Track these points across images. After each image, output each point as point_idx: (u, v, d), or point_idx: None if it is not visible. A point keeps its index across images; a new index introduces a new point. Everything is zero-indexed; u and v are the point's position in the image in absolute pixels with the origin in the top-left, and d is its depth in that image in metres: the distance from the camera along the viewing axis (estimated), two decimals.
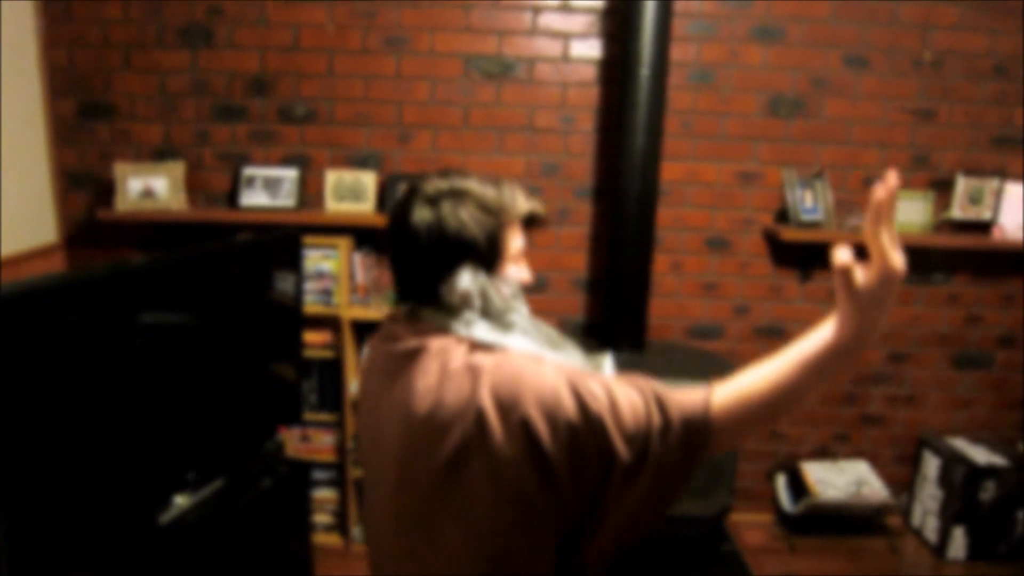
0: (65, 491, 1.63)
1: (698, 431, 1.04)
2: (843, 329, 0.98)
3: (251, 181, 2.87)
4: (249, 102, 2.86)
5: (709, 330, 3.11)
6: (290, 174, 2.88)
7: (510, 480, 1.05)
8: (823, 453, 3.22)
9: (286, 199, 2.87)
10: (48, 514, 1.60)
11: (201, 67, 2.82)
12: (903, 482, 3.24)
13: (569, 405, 1.04)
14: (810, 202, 2.92)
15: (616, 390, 1.07)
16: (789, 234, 2.87)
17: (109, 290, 1.72)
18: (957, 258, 3.05)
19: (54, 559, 1.63)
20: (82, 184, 2.90)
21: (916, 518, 3.17)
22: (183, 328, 2.00)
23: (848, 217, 2.93)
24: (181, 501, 2.07)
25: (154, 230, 2.91)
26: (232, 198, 2.92)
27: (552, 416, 1.04)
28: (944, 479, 3.00)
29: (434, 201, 1.17)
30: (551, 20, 2.85)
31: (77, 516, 1.67)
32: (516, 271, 1.25)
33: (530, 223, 1.35)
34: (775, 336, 3.09)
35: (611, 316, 2.89)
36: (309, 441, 2.97)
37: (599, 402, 1.05)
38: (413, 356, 1.16)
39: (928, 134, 2.96)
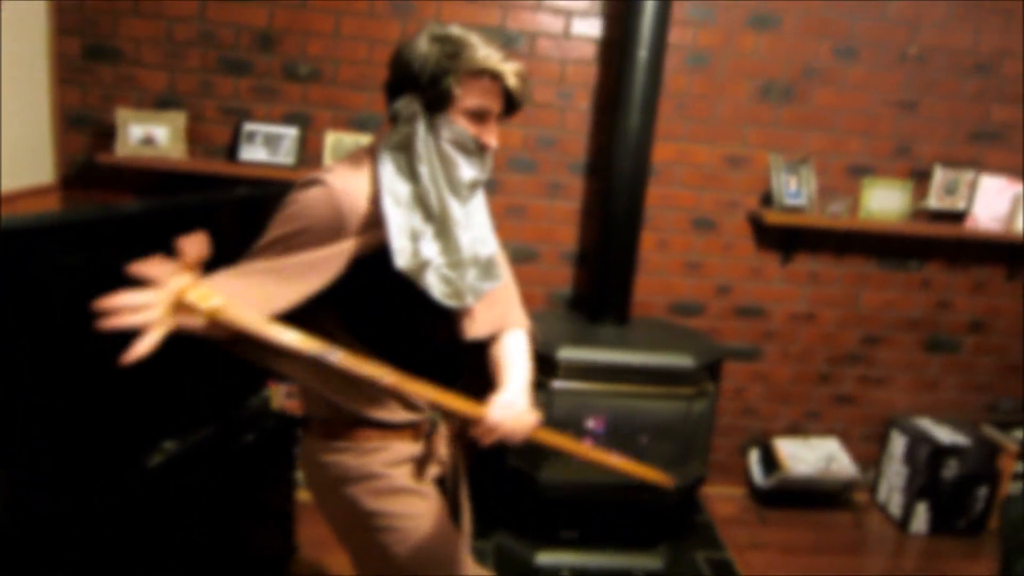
0: (58, 426, 1.61)
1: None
2: None
3: (251, 136, 2.89)
4: (254, 56, 2.88)
5: (691, 307, 3.20)
6: (290, 132, 2.90)
7: None
8: (795, 430, 3.33)
9: (285, 157, 2.89)
10: (43, 449, 1.58)
11: (209, 17, 2.83)
12: (871, 459, 3.36)
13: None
14: (794, 187, 3.03)
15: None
16: (773, 217, 2.97)
17: (103, 231, 1.69)
18: (932, 246, 3.18)
19: (48, 491, 1.64)
20: (82, 126, 2.89)
21: (882, 494, 3.29)
22: None
23: (830, 203, 3.04)
24: (169, 446, 2.08)
25: (152, 177, 2.92)
26: (232, 152, 2.93)
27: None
28: (909, 457, 3.13)
29: (419, 37, 1.33)
30: None
31: (70, 452, 1.67)
32: (467, 125, 1.33)
33: (510, 107, 1.38)
34: (754, 316, 3.19)
35: (598, 290, 2.96)
36: (295, 398, 2.99)
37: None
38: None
39: (910, 126, 3.08)
